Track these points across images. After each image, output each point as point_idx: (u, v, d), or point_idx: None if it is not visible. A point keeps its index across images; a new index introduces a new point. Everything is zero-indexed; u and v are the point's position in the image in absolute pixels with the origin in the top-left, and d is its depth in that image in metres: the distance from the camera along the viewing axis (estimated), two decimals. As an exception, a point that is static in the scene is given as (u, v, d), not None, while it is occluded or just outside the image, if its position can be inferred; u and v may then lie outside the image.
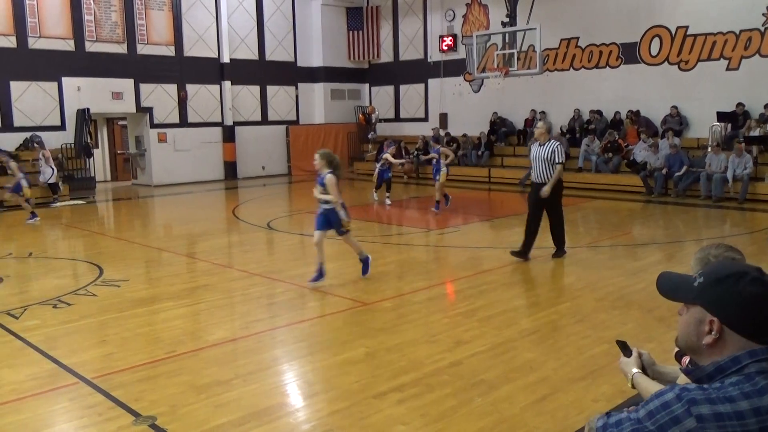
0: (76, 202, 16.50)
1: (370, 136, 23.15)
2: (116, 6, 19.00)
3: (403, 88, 23.56)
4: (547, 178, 8.24)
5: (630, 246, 9.81)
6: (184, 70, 20.48)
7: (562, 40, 18.79)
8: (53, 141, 17.69)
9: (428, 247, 10.34)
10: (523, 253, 8.50)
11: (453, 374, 4.85)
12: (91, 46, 18.60)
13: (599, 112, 17.86)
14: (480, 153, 19.51)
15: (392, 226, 12.77)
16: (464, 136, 20.32)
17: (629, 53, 17.48)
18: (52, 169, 16.10)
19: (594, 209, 13.79)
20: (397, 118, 23.83)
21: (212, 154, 21.37)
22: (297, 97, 23.48)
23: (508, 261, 8.70)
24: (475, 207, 15.27)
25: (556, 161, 8.17)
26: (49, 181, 16.02)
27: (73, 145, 18.15)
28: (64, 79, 18.15)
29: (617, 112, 17.52)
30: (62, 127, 18.19)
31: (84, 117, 18.15)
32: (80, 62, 18.35)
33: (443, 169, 13.03)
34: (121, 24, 19.13)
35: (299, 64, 23.32)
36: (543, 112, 19.09)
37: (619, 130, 17.07)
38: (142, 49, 19.58)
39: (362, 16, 23.70)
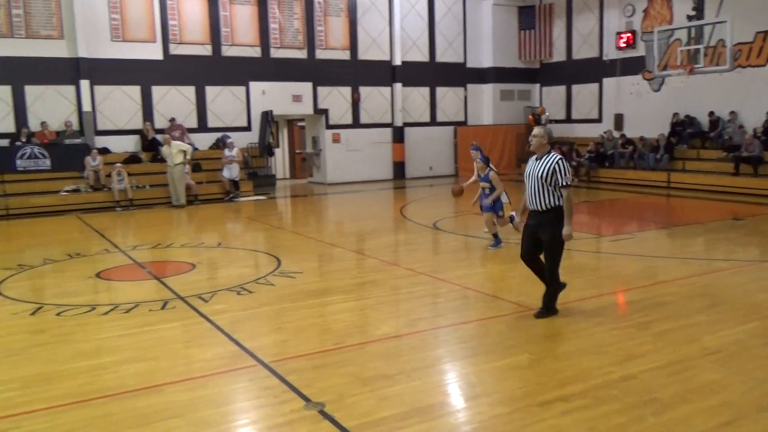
0: (258, 197, 17.80)
1: (539, 137, 22.62)
2: (298, 14, 20.23)
3: (575, 87, 22.73)
4: (543, 203, 6.10)
5: (836, 262, 8.71)
6: (358, 73, 21.32)
7: (757, 33, 17.09)
8: (240, 141, 19.22)
9: (599, 254, 9.89)
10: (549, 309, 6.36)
11: (623, 389, 4.61)
12: (275, 53, 19.97)
13: (802, 112, 16.04)
14: (659, 156, 18.31)
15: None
16: (641, 138, 19.19)
17: (841, 45, 15.50)
18: (239, 168, 17.53)
19: (792, 220, 12.42)
20: (568, 119, 23.05)
21: (382, 154, 22.04)
22: (466, 98, 23.53)
23: (689, 273, 8.10)
24: (652, 213, 14.36)
25: (561, 183, 6.01)
26: (235, 178, 17.42)
27: (257, 144, 19.63)
28: (252, 84, 19.66)
29: (823, 112, 15.64)
30: (248, 128, 19.73)
31: (267, 118, 19.56)
32: (266, 67, 19.78)
33: (505, 199, 10.11)
34: (302, 31, 20.34)
35: (469, 65, 23.35)
36: (733, 113, 17.51)
37: (826, 132, 15.22)
38: (320, 54, 20.67)
39: (534, 15, 23.21)
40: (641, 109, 20.31)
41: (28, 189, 15.84)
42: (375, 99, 21.79)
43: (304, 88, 20.54)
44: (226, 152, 17.40)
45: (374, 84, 21.66)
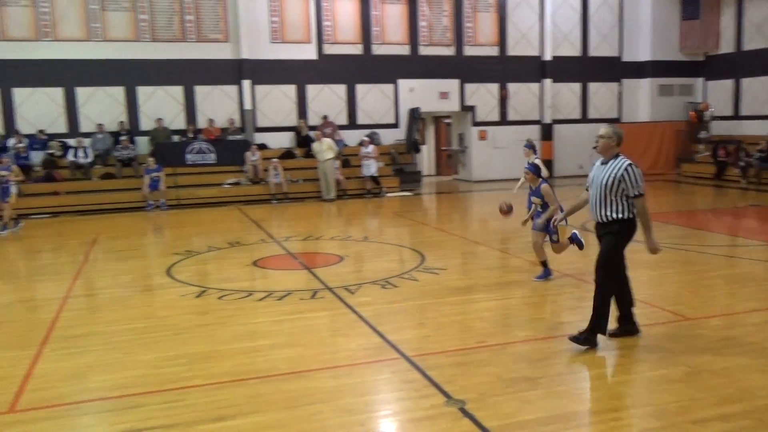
0: (403, 193, 18.10)
1: (701, 135, 21.08)
2: (447, 11, 20.29)
3: (745, 81, 20.89)
4: (606, 214, 5.39)
5: None
6: (506, 69, 21.01)
7: None
8: (387, 138, 19.68)
9: (768, 263, 9.05)
10: (623, 328, 5.69)
11: (795, 412, 4.19)
12: (424, 50, 20.17)
13: None
14: None
15: (724, 236, 11.46)
16: (824, 136, 17.31)
17: None
18: (379, 164, 17.88)
19: None
20: (736, 116, 21.24)
21: (529, 151, 21.54)
22: (620, 93, 22.42)
23: None
24: (834, 220, 12.92)
25: (632, 194, 5.27)
26: (373, 174, 17.82)
27: (403, 141, 19.96)
28: (400, 81, 20.01)
29: None
30: (396, 125, 20.11)
31: (414, 115, 19.82)
32: (414, 65, 20.04)
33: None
34: (451, 28, 20.37)
35: (624, 58, 22.22)
36: None
37: None
38: (468, 51, 20.60)
39: (699, 3, 21.57)
40: (824, 103, 18.28)
41: (195, 181, 17.22)
42: (523, 95, 21.36)
43: (452, 85, 20.58)
44: (362, 150, 17.82)
45: (523, 80, 21.24)
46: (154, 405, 4.56)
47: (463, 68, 20.57)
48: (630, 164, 5.31)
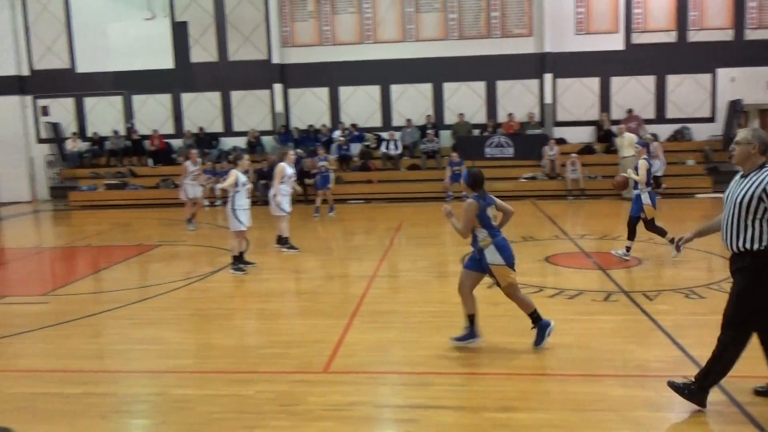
0: (717, 195, 16.30)
1: None
2: (786, -12, 17.68)
3: None
4: (739, 241, 4.01)
5: None
6: None
7: None
8: (701, 133, 17.93)
9: None
10: (696, 396, 4.28)
11: None
12: (750, 34, 17.89)
13: None
14: None
15: None
16: None
17: None
18: (662, 163, 16.30)
19: None
20: None
21: None
22: None
23: None
24: None
25: (759, 215, 3.91)
26: (656, 173, 16.29)
27: (720, 137, 17.97)
28: (719, 70, 18.04)
29: None
30: (711, 119, 18.20)
31: (735, 108, 17.70)
32: (737, 52, 17.89)
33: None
34: (788, 6, 17.72)
35: None
36: None
37: None
38: (810, 32, 17.74)
39: None
40: None
41: (493, 174, 17.49)
42: None
43: (787, 72, 17.94)
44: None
45: None
46: (443, 386, 4.83)
47: (801, 52, 17.78)
48: None
